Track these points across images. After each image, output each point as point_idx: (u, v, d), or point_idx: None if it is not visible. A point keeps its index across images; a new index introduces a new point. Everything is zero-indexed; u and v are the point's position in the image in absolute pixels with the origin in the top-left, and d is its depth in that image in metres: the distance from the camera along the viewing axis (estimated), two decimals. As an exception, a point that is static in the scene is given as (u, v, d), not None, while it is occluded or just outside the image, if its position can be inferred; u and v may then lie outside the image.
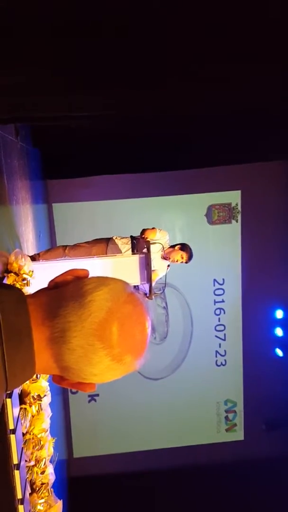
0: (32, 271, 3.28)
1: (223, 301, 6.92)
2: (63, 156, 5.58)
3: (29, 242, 4.50)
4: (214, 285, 6.84)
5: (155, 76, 2.87)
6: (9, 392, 0.75)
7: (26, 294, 0.78)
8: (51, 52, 2.55)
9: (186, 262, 3.90)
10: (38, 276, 3.42)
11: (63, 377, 0.76)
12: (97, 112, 3.06)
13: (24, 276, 3.18)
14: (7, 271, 3.18)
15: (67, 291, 0.75)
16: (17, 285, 3.14)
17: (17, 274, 3.14)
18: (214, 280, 6.84)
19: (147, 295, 3.59)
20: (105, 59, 2.54)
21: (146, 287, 3.63)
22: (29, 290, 3.25)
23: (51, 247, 4.76)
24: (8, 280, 3.09)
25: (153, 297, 3.57)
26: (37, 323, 0.72)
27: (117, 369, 0.74)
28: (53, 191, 6.36)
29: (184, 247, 3.94)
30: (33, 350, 0.71)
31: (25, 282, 3.17)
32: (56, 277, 0.80)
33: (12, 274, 3.14)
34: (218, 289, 6.89)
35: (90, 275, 0.80)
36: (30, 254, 3.94)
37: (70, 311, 0.71)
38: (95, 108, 2.98)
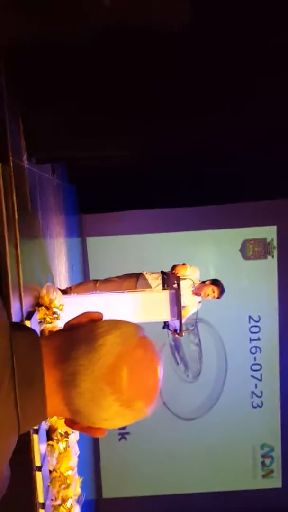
0: (63, 305, 3.32)
1: (259, 339, 6.68)
2: (98, 192, 5.74)
3: (62, 275, 4.58)
4: (249, 322, 6.64)
5: (189, 111, 2.94)
6: (35, 428, 0.75)
7: (40, 336, 0.79)
8: (86, 96, 2.68)
9: (217, 297, 3.83)
10: (69, 310, 3.45)
11: (74, 420, 0.76)
12: (132, 152, 3.15)
13: (55, 310, 3.21)
14: (38, 304, 3.23)
15: (80, 334, 0.75)
16: (48, 319, 3.18)
17: (47, 308, 3.18)
18: (250, 317, 6.64)
19: (177, 331, 3.53)
20: (137, 102, 2.63)
21: (176, 323, 3.57)
22: (59, 324, 3.28)
23: (83, 281, 4.82)
24: (38, 314, 3.13)
25: (183, 334, 3.51)
26: (49, 366, 0.73)
27: (126, 414, 0.73)
28: (87, 225, 6.51)
29: (215, 281, 3.88)
30: (45, 394, 0.72)
31: (55, 316, 3.21)
32: (71, 319, 0.80)
33: (42, 307, 3.18)
34: (254, 326, 6.68)
35: (105, 317, 0.81)
36: (62, 288, 4.00)
37: (80, 355, 0.72)
38: (130, 149, 3.07)
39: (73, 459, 3.35)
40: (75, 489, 3.44)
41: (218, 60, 2.54)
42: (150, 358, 0.75)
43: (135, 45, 2.67)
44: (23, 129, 2.77)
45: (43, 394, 0.72)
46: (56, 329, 3.22)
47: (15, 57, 2.56)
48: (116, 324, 0.75)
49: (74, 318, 0.80)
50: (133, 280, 3.90)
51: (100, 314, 0.79)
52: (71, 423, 0.77)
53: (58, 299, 3.31)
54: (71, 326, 0.78)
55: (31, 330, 0.77)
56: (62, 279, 4.53)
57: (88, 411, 0.72)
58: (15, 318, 2.73)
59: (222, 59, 2.54)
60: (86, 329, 0.75)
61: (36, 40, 2.64)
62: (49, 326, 3.18)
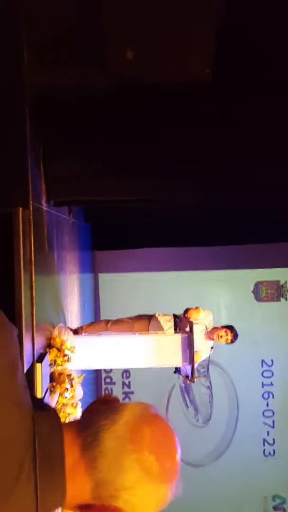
0: (74, 347, 3.29)
1: (271, 384, 6.48)
2: (112, 229, 5.81)
3: (73, 314, 4.56)
4: (262, 366, 6.47)
5: (202, 158, 3.01)
6: None
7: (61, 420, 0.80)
8: (104, 143, 2.75)
9: (231, 341, 3.75)
10: (80, 351, 3.41)
11: (89, 504, 0.74)
12: (148, 196, 3.21)
13: (66, 352, 3.18)
14: (50, 345, 3.20)
15: (100, 410, 0.76)
16: (58, 361, 3.14)
17: (58, 350, 3.15)
18: (262, 361, 6.48)
19: (189, 378, 3.45)
20: (149, 151, 2.70)
21: (188, 369, 3.49)
22: (69, 366, 3.23)
23: (94, 321, 4.79)
24: (50, 356, 3.09)
25: (195, 380, 3.42)
26: (70, 441, 0.72)
27: (145, 479, 0.71)
28: (100, 262, 6.53)
29: (228, 326, 3.81)
30: (65, 477, 0.71)
31: (66, 358, 3.17)
32: (91, 403, 0.82)
33: (54, 349, 3.15)
34: (267, 370, 6.50)
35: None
36: (73, 327, 3.98)
37: (102, 418, 0.73)
38: (145, 193, 3.13)
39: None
40: None
41: (229, 118, 2.62)
42: (170, 432, 0.75)
43: (152, 98, 2.77)
44: (44, 173, 2.84)
45: (63, 479, 0.71)
46: (66, 372, 3.17)
47: (39, 105, 2.66)
48: (134, 402, 0.78)
49: (93, 402, 0.81)
50: (145, 321, 3.86)
51: (118, 399, 0.81)
52: (87, 508, 0.74)
53: (70, 340, 3.28)
54: (91, 409, 0.80)
55: (52, 411, 0.78)
56: (74, 317, 4.50)
57: (110, 476, 0.71)
58: (26, 359, 2.70)
59: (233, 118, 2.62)
60: (106, 407, 0.76)
61: (60, 89, 2.76)
62: (59, 368, 3.14)
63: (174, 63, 2.67)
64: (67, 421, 3.21)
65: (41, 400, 0.85)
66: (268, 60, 2.64)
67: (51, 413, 0.76)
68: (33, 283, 2.77)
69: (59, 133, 2.77)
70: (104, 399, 0.79)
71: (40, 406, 0.77)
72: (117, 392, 6.52)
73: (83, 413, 0.79)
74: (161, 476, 0.72)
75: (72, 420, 0.86)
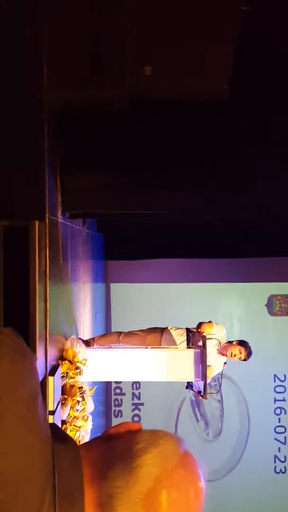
0: (86, 360, 3.27)
1: (284, 399, 6.37)
2: (124, 239, 5.82)
3: (85, 324, 4.55)
4: (274, 381, 6.37)
5: (214, 173, 3.01)
6: None
7: (79, 445, 0.77)
8: (120, 158, 2.77)
9: (244, 359, 3.70)
10: (91, 364, 3.39)
11: None
12: (161, 211, 3.21)
13: (78, 364, 3.17)
14: (62, 358, 3.20)
15: (118, 448, 0.72)
16: (70, 374, 3.13)
17: (71, 362, 3.15)
18: (275, 376, 6.38)
19: (201, 394, 3.40)
20: (162, 166, 2.71)
21: (200, 384, 3.45)
22: (81, 379, 3.22)
23: (105, 333, 4.77)
24: (62, 368, 3.09)
25: (207, 396, 3.38)
26: (88, 482, 0.70)
27: None
28: (111, 272, 6.53)
29: (242, 342, 3.76)
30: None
31: (78, 371, 3.16)
32: (110, 428, 0.78)
33: (66, 361, 3.15)
34: (279, 386, 6.39)
35: (143, 428, 0.77)
36: (85, 338, 3.97)
37: (117, 475, 0.68)
38: (159, 207, 3.13)
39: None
40: None
41: (246, 134, 2.62)
42: (192, 478, 0.70)
43: (168, 114, 2.79)
44: (60, 186, 2.86)
45: None
46: (77, 384, 3.16)
47: (58, 120, 2.69)
48: (155, 439, 0.71)
49: (113, 428, 0.78)
50: (158, 335, 3.83)
51: (139, 426, 0.76)
52: None
53: (82, 353, 3.27)
54: (109, 436, 0.76)
55: (72, 443, 0.75)
56: (86, 328, 4.50)
57: None
58: (39, 372, 2.70)
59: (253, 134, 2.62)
60: (124, 443, 0.72)
61: (77, 104, 2.79)
62: (71, 381, 3.13)
63: (191, 79, 2.69)
64: (77, 434, 3.21)
65: (61, 431, 0.82)
66: (285, 80, 2.64)
67: (71, 446, 0.73)
68: (47, 295, 2.78)
69: (76, 147, 2.79)
70: (126, 426, 0.75)
71: (59, 437, 0.74)
72: (127, 403, 6.48)
73: (102, 443, 0.74)
74: None
75: (91, 446, 0.76)
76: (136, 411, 6.47)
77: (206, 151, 2.89)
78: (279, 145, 2.88)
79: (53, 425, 0.77)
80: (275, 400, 6.42)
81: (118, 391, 6.47)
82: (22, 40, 2.44)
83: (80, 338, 3.71)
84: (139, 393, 6.49)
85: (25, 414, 0.69)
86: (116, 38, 2.73)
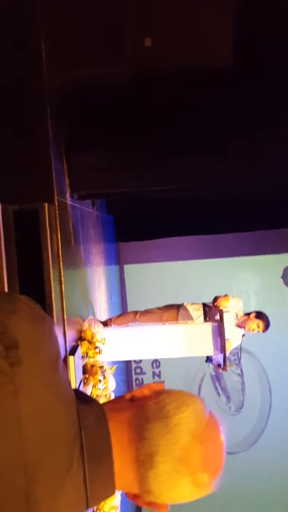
0: (105, 339, 3.31)
1: (305, 370, 6.39)
2: (135, 220, 5.80)
3: (102, 306, 4.59)
4: (293, 352, 6.38)
5: (223, 144, 2.95)
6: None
7: (103, 406, 0.79)
8: (125, 135, 2.73)
9: (263, 331, 3.70)
10: (110, 343, 3.43)
11: (137, 495, 0.76)
12: (170, 186, 3.18)
13: (97, 344, 3.21)
14: (81, 338, 3.24)
15: (149, 409, 0.75)
16: (90, 354, 3.17)
17: (90, 342, 3.19)
18: (293, 346, 6.38)
19: (222, 366, 3.42)
20: (170, 140, 2.66)
21: (220, 357, 3.47)
22: (100, 358, 3.26)
23: (122, 313, 4.81)
24: (81, 349, 3.13)
25: (227, 368, 3.40)
26: (121, 443, 0.73)
27: (196, 493, 0.74)
28: (124, 253, 6.54)
29: (260, 315, 3.75)
30: (113, 470, 0.72)
31: (97, 350, 3.20)
32: (134, 390, 0.81)
33: (85, 341, 3.19)
34: (299, 356, 6.40)
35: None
36: (102, 320, 4.01)
37: (156, 435, 0.72)
38: (167, 183, 3.09)
39: (116, 498, 3.28)
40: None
41: (252, 105, 2.55)
42: (218, 434, 0.75)
43: (172, 86, 2.72)
44: (67, 168, 2.85)
45: (111, 471, 0.72)
46: (98, 364, 3.20)
47: (60, 101, 2.66)
48: (183, 398, 0.76)
49: (137, 390, 0.80)
50: (174, 311, 3.84)
51: (162, 385, 0.80)
52: (134, 497, 0.77)
53: (100, 332, 3.31)
54: (133, 397, 0.79)
55: (96, 403, 0.77)
56: (102, 309, 4.54)
57: (160, 491, 0.73)
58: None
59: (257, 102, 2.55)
60: (154, 404, 0.75)
61: (79, 83, 2.74)
62: (91, 360, 3.17)
63: (193, 48, 2.61)
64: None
65: (84, 393, 0.84)
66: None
67: (95, 406, 0.75)
68: (62, 278, 2.80)
69: (79, 127, 2.76)
70: (150, 387, 0.78)
71: (83, 399, 0.76)
72: (148, 382, 6.55)
73: (129, 405, 0.77)
74: (208, 484, 0.74)
75: (116, 408, 0.77)
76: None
77: (213, 124, 2.82)
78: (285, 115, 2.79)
79: (75, 389, 0.79)
80: (295, 370, 6.43)
81: (138, 370, 6.55)
82: (20, 20, 2.40)
83: (97, 320, 3.74)
84: (159, 371, 6.56)
85: (48, 377, 0.70)
86: (114, 12, 2.67)
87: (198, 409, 0.74)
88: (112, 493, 0.73)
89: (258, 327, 3.60)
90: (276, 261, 6.34)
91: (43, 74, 2.59)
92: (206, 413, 0.75)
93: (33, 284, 2.62)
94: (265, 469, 6.40)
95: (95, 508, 3.02)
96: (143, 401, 0.76)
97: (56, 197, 2.62)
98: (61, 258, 2.72)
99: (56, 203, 2.60)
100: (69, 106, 2.79)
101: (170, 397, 0.75)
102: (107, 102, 2.72)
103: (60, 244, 2.70)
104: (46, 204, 2.45)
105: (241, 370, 6.04)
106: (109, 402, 0.83)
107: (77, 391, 0.78)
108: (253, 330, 3.61)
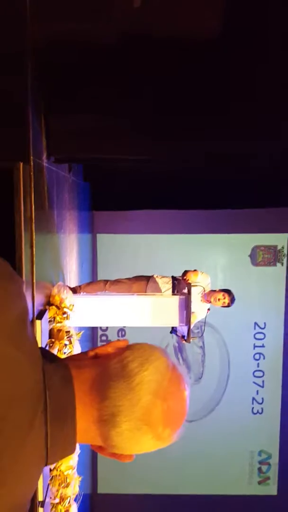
0: (73, 305, 3.33)
1: (263, 346, 6.66)
2: (111, 190, 5.75)
3: (72, 272, 4.58)
4: (254, 329, 6.62)
5: (203, 120, 2.94)
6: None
7: (66, 359, 0.80)
8: (107, 100, 2.67)
9: (228, 305, 3.81)
10: (78, 309, 3.46)
11: (102, 447, 0.78)
12: (148, 156, 3.15)
13: (65, 310, 3.22)
14: (49, 303, 3.24)
15: (112, 368, 0.75)
16: (57, 318, 3.19)
17: (58, 307, 3.20)
18: (255, 323, 6.62)
19: (185, 338, 3.53)
20: (153, 109, 2.62)
21: (184, 329, 3.57)
22: (68, 323, 3.29)
23: (92, 281, 4.82)
24: (49, 313, 3.14)
25: (190, 340, 3.50)
26: (84, 402, 0.73)
27: (157, 445, 0.76)
28: (98, 222, 6.51)
29: (225, 290, 3.86)
30: (76, 430, 0.73)
31: (65, 316, 3.22)
32: (97, 347, 0.81)
33: (53, 307, 3.19)
34: (259, 333, 6.66)
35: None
36: (72, 286, 4.01)
37: (119, 394, 0.73)
38: (144, 153, 3.06)
39: (73, 459, 3.37)
40: (74, 488, 3.47)
41: (237, 75, 2.53)
42: (181, 389, 0.77)
43: (159, 51, 2.66)
44: (45, 129, 2.77)
45: (73, 431, 0.73)
46: (64, 329, 3.23)
47: (41, 59, 2.55)
48: (146, 355, 0.75)
49: (100, 347, 0.81)
50: (143, 283, 3.89)
51: (126, 342, 0.80)
52: (100, 449, 0.78)
53: (69, 298, 3.32)
54: (96, 354, 0.79)
55: (62, 362, 0.77)
56: (72, 276, 4.53)
57: (123, 446, 0.74)
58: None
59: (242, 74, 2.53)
60: (117, 362, 0.75)
61: (63, 40, 2.63)
62: (58, 325, 3.19)
63: (182, 12, 2.54)
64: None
65: (50, 352, 0.84)
66: (281, 15, 2.52)
67: (61, 365, 0.75)
68: (33, 241, 2.77)
69: (61, 87, 2.67)
70: (113, 345, 0.78)
71: (50, 358, 0.76)
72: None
73: (93, 363, 0.77)
74: (170, 436, 0.75)
75: (80, 365, 0.77)
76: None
77: (195, 97, 2.79)
78: (269, 92, 2.79)
79: (42, 348, 0.78)
80: (255, 346, 6.71)
81: (104, 338, 6.65)
82: None
83: (67, 286, 3.74)
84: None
85: (14, 334, 0.69)
86: None
87: (161, 365, 0.74)
88: (71, 452, 0.75)
89: (224, 297, 3.70)
90: (245, 241, 6.48)
91: (26, 26, 2.47)
92: (169, 369, 0.75)
93: (3, 245, 2.58)
94: (220, 437, 6.75)
95: (52, 466, 3.11)
96: (107, 359, 0.76)
97: (32, 157, 2.56)
98: (34, 222, 2.68)
99: (32, 164, 2.53)
100: (50, 64, 2.69)
101: (133, 355, 0.75)
102: (90, 62, 2.63)
103: (33, 207, 2.65)
104: (21, 164, 2.39)
105: (203, 343, 6.24)
106: (72, 358, 0.82)
107: (43, 350, 0.77)
108: (218, 299, 3.70)
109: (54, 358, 0.78)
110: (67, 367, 0.75)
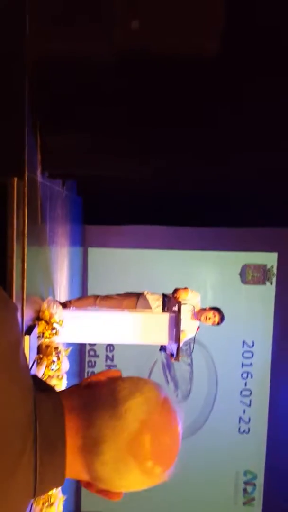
0: (62, 321, 3.30)
1: (251, 364, 6.66)
2: (103, 204, 5.78)
3: (62, 287, 4.56)
4: (243, 347, 6.63)
5: (195, 137, 2.98)
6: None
7: (60, 394, 0.77)
8: (102, 118, 2.70)
9: (217, 323, 3.82)
10: (68, 325, 3.43)
11: (90, 483, 0.75)
12: (141, 173, 3.18)
13: (54, 325, 3.20)
14: (38, 318, 3.21)
15: (102, 394, 0.73)
16: (46, 334, 3.16)
17: (47, 323, 3.17)
18: (244, 342, 6.64)
19: (174, 356, 3.51)
20: (146, 128, 2.65)
21: (173, 347, 3.56)
22: (56, 339, 3.26)
23: (82, 296, 4.80)
24: (38, 328, 3.11)
25: (179, 359, 3.49)
26: (71, 431, 0.71)
27: (146, 481, 0.72)
28: (90, 236, 6.52)
29: (215, 308, 3.87)
30: (65, 462, 0.70)
31: (54, 331, 3.19)
32: (90, 376, 0.79)
33: (42, 322, 3.17)
34: (247, 351, 6.67)
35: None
36: (62, 300, 3.99)
37: (104, 422, 0.70)
38: (139, 171, 3.09)
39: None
40: (57, 507, 3.40)
41: (236, 98, 2.58)
42: (173, 423, 0.73)
43: (156, 71, 2.71)
44: (40, 144, 2.79)
45: (63, 463, 0.70)
46: (53, 345, 3.20)
47: (40, 75, 2.58)
48: (138, 385, 0.73)
49: (93, 376, 0.79)
50: (134, 299, 3.89)
51: (119, 372, 0.78)
52: (88, 485, 0.76)
53: (58, 314, 3.29)
54: (89, 384, 0.77)
55: (53, 392, 0.75)
56: (62, 291, 4.51)
57: (109, 478, 0.71)
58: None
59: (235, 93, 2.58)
60: (108, 390, 0.73)
61: (61, 59, 2.67)
62: (47, 341, 3.16)
63: (180, 35, 2.60)
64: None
65: (42, 381, 0.82)
66: (278, 40, 2.58)
67: (53, 395, 0.73)
68: (25, 256, 2.76)
69: (58, 104, 2.70)
70: (106, 373, 0.76)
71: (41, 386, 0.75)
72: (100, 365, 6.62)
73: (84, 391, 0.75)
74: (160, 474, 0.72)
75: (71, 394, 0.76)
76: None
77: (190, 115, 2.83)
78: (258, 115, 2.84)
79: (34, 376, 0.77)
80: (243, 365, 6.71)
81: (92, 353, 6.60)
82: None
83: (57, 301, 3.72)
84: (113, 355, 6.63)
85: (7, 363, 0.68)
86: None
87: (153, 397, 0.71)
88: (60, 484, 0.72)
89: (214, 316, 3.71)
90: (235, 258, 6.53)
91: (24, 43, 2.51)
92: (161, 401, 0.72)
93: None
94: (206, 456, 6.68)
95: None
96: (98, 388, 0.74)
97: (26, 172, 2.57)
98: (26, 236, 2.67)
99: (26, 179, 2.54)
100: (48, 81, 2.72)
101: (124, 384, 0.73)
102: (87, 81, 2.67)
103: (26, 221, 2.65)
104: (15, 179, 2.40)
105: (191, 360, 6.21)
106: (66, 390, 0.80)
107: (35, 377, 0.76)
108: (209, 318, 3.71)
109: (46, 387, 0.76)
110: (59, 398, 0.74)
